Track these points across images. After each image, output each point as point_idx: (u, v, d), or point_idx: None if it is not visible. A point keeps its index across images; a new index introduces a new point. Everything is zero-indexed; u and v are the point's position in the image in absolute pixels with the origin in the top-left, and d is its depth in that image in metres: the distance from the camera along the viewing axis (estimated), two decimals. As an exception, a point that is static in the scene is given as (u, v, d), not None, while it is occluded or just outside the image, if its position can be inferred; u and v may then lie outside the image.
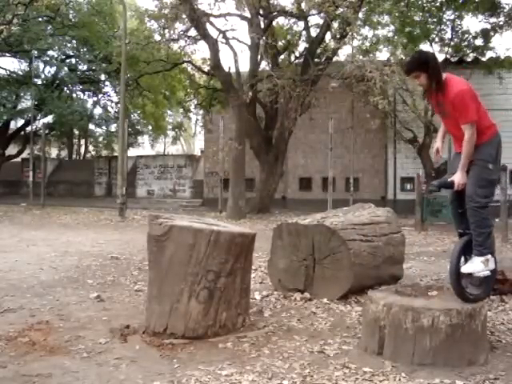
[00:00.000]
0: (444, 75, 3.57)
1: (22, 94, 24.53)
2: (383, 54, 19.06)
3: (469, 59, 17.07)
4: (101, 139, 34.02)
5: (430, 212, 12.42)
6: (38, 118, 23.09)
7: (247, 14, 15.83)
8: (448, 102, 3.54)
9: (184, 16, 15.59)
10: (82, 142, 37.12)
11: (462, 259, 3.55)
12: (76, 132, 33.22)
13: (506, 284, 4.93)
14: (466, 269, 3.49)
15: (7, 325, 4.02)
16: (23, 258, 7.27)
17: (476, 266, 3.49)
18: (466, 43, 16.80)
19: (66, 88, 26.00)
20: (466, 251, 3.60)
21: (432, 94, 3.68)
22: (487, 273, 3.52)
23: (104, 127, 30.04)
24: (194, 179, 25.08)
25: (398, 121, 16.81)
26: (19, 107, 25.03)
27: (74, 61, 25.72)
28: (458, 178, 3.54)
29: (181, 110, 30.53)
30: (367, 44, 16.75)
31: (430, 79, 3.55)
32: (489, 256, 3.54)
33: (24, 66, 25.30)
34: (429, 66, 3.52)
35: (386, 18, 16.88)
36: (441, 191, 4.02)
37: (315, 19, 17.17)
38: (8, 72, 24.27)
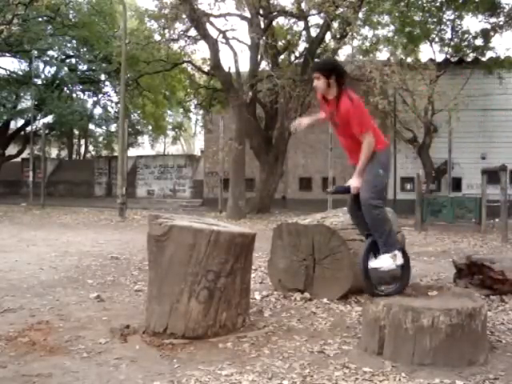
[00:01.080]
0: (343, 90, 3.69)
1: (22, 94, 24.55)
2: (383, 54, 19.09)
3: (469, 59, 17.08)
4: (101, 139, 34.05)
5: (430, 212, 12.43)
6: (38, 118, 23.09)
7: (247, 14, 15.84)
8: (342, 115, 3.66)
9: (184, 16, 15.59)
10: (82, 142, 37.14)
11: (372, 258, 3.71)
12: (76, 132, 33.24)
13: (506, 284, 4.92)
14: (374, 264, 3.66)
15: (7, 325, 4.02)
16: (23, 258, 7.27)
17: (384, 261, 3.66)
18: (465, 43, 16.80)
19: (66, 88, 26.01)
20: (375, 250, 3.76)
21: (327, 102, 3.81)
22: (393, 267, 3.66)
23: (104, 127, 30.07)
24: (194, 179, 25.08)
25: (397, 121, 16.81)
26: (19, 107, 25.04)
27: (74, 61, 25.74)
28: (354, 182, 3.71)
29: (181, 110, 30.55)
30: (367, 44, 16.76)
31: (328, 86, 3.69)
32: (396, 252, 3.70)
33: (24, 66, 25.34)
34: (331, 75, 3.65)
35: (385, 18, 16.89)
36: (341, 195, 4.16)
37: (315, 19, 17.19)
38: (8, 72, 24.29)
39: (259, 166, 16.75)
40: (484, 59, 16.60)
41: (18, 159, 27.50)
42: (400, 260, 3.70)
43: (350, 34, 15.02)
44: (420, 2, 16.84)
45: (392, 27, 16.92)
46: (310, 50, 16.28)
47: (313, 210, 8.20)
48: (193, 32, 16.82)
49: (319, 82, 3.70)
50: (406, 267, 3.83)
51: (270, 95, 15.51)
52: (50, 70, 25.29)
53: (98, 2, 23.38)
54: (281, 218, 13.54)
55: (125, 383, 3.00)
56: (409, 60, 16.25)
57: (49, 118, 25.15)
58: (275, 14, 16.11)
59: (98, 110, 29.29)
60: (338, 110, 3.66)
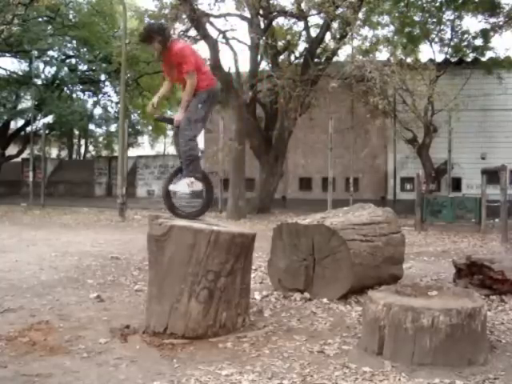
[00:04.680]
0: (172, 40, 4.33)
1: (22, 94, 24.55)
2: (383, 55, 19.08)
3: (468, 59, 17.08)
4: (101, 139, 34.05)
5: (430, 212, 12.42)
6: (38, 118, 23.08)
7: (247, 14, 15.84)
8: (173, 58, 4.26)
9: (184, 16, 15.58)
10: (82, 142, 37.13)
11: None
12: (76, 132, 33.23)
13: (506, 284, 4.92)
14: (172, 187, 4.21)
15: (7, 325, 4.02)
16: (23, 258, 7.27)
17: (181, 185, 4.20)
18: (465, 43, 16.80)
19: (66, 88, 26.01)
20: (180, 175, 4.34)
21: (164, 57, 4.36)
22: (187, 191, 4.21)
23: (104, 127, 30.06)
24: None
25: (397, 121, 16.81)
26: (19, 107, 25.04)
27: (74, 61, 25.73)
28: (177, 116, 4.30)
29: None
30: (367, 44, 16.73)
31: (162, 43, 4.26)
32: (193, 179, 4.21)
33: (24, 66, 25.35)
34: (159, 35, 4.24)
35: (385, 19, 16.89)
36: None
37: (315, 19, 17.17)
38: (8, 72, 24.27)
39: (259, 166, 16.75)
40: (484, 59, 16.61)
41: (18, 159, 27.49)
42: (197, 186, 4.20)
43: (349, 34, 15.01)
44: (420, 2, 16.84)
45: (392, 27, 16.93)
46: (309, 50, 16.29)
47: (313, 209, 8.21)
48: (193, 32, 16.81)
49: (156, 46, 4.28)
50: (208, 193, 4.40)
51: (269, 95, 15.50)
52: (50, 70, 25.32)
53: (98, 2, 23.39)
54: (281, 218, 13.54)
55: (125, 383, 3.00)
56: (409, 60, 16.25)
57: (49, 118, 25.15)
58: (275, 14, 16.11)
59: (98, 110, 29.31)
60: (172, 55, 4.24)
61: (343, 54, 17.90)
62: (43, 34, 21.25)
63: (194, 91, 4.22)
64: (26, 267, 6.53)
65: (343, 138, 17.50)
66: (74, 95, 27.62)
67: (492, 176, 12.18)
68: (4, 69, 24.08)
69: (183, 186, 4.18)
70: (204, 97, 4.27)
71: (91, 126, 30.47)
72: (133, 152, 32.30)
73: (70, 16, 23.29)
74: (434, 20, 16.67)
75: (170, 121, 4.46)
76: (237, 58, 15.88)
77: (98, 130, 31.94)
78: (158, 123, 33.53)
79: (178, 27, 16.57)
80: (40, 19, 22.07)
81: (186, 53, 4.23)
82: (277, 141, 16.43)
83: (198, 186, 4.22)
